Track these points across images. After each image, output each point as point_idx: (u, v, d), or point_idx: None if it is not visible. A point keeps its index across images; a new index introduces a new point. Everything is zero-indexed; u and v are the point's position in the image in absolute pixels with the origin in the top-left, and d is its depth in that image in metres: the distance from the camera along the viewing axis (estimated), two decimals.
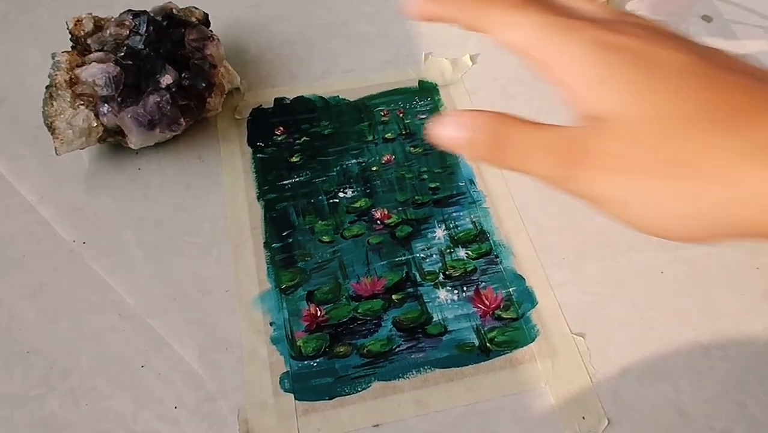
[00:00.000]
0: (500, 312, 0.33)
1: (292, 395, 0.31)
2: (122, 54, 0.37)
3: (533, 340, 0.32)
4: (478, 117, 0.23)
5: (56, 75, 0.36)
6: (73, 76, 0.36)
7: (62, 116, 0.35)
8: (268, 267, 0.35)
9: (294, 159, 0.39)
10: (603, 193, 0.25)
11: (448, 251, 0.36)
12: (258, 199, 0.38)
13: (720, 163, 0.23)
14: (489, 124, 0.23)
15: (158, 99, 0.36)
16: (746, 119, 0.23)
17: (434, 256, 0.35)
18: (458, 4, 0.24)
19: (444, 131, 0.23)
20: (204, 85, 0.38)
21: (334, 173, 0.39)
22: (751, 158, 0.23)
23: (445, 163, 0.39)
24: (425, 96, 0.43)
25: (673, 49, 0.23)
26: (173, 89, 0.37)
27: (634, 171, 0.24)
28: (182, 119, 0.37)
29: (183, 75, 0.37)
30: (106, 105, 0.36)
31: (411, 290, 0.34)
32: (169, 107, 0.36)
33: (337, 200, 0.38)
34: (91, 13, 0.39)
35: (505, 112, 0.23)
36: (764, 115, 0.22)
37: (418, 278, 0.35)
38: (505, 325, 0.33)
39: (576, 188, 0.24)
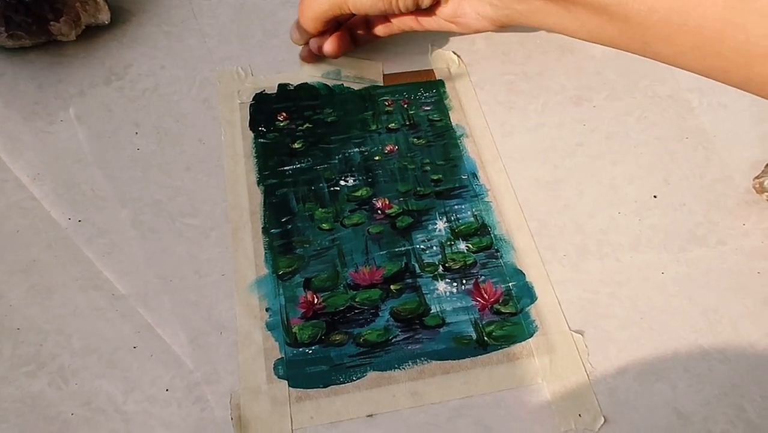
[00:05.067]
0: (499, 306, 0.33)
1: (286, 381, 0.30)
2: None
3: (531, 335, 0.32)
4: None
5: None
6: None
7: None
8: (265, 252, 0.34)
9: (296, 145, 0.39)
10: None
11: (449, 243, 0.35)
12: (258, 184, 0.37)
13: None
14: None
15: None
16: None
17: (434, 248, 0.35)
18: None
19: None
20: (47, 7, 0.38)
21: (336, 161, 0.38)
22: None
23: (448, 156, 0.39)
24: (430, 88, 0.42)
25: None
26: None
27: None
28: (3, 29, 0.38)
29: None
30: None
31: (410, 280, 0.34)
32: None
33: (338, 188, 0.37)
34: None
35: None
36: None
37: (418, 269, 0.34)
38: (504, 319, 0.33)
39: None
